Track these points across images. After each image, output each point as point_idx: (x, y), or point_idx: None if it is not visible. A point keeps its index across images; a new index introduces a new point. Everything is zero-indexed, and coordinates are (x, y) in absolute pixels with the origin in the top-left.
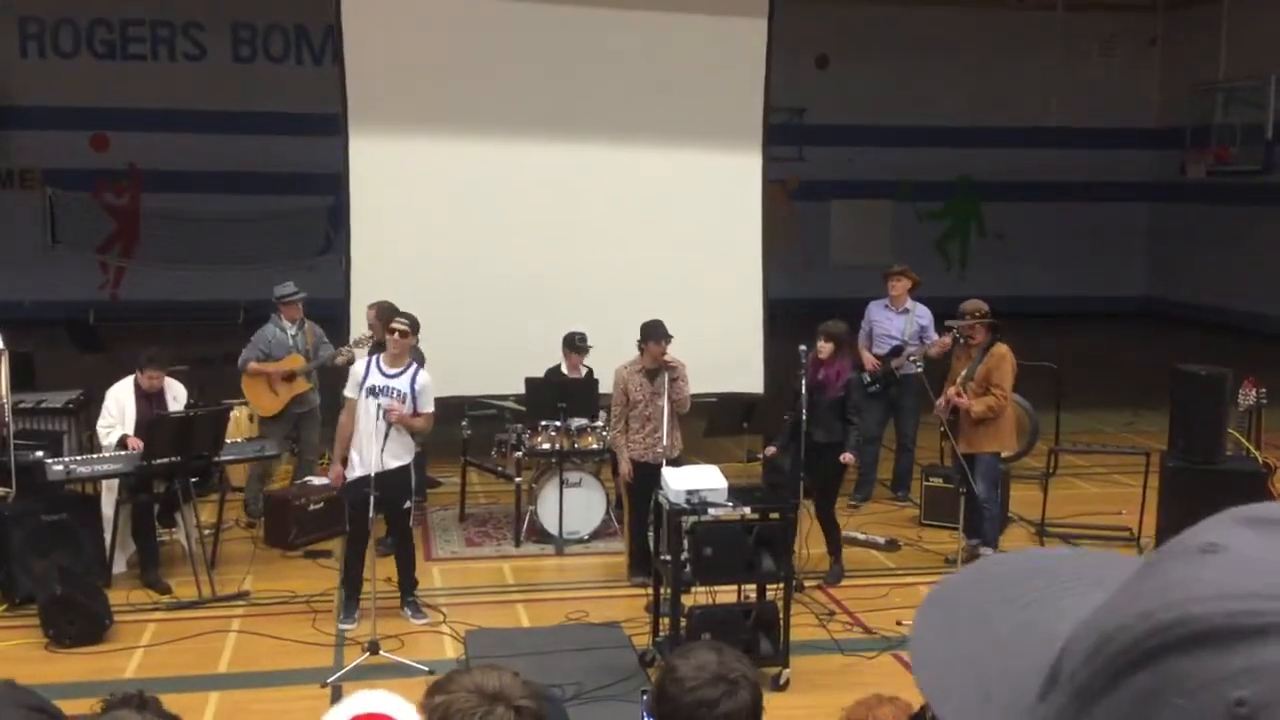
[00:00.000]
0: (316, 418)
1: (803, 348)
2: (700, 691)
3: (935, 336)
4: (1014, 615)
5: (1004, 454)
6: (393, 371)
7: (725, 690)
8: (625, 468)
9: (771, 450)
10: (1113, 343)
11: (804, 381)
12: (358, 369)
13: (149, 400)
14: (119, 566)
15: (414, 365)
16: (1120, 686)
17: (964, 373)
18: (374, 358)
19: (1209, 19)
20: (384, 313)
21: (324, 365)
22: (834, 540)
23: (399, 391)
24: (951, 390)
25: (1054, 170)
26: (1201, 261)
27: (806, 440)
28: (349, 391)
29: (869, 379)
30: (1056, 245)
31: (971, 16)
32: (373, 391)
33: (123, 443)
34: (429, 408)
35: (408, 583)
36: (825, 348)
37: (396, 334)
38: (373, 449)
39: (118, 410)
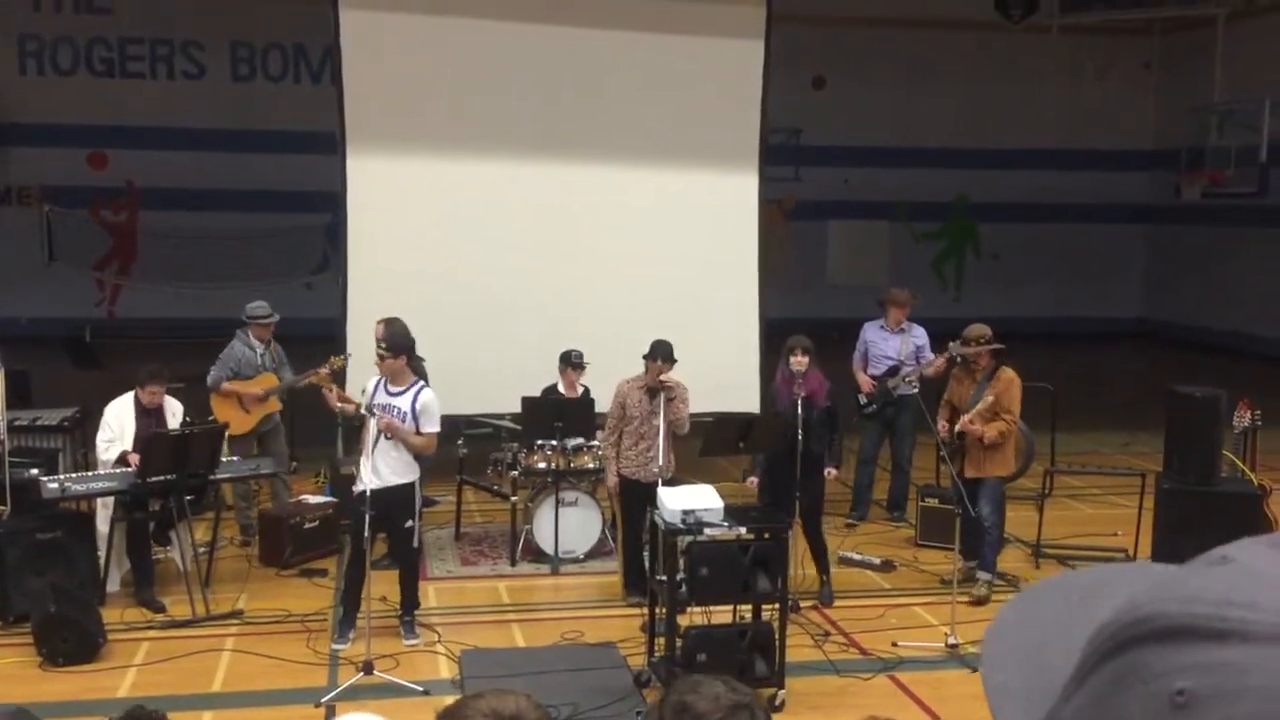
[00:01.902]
0: (281, 430)
1: (796, 368)
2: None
3: (931, 356)
4: (1087, 614)
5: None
6: (396, 390)
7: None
8: (612, 480)
9: (753, 480)
10: (1108, 364)
11: (799, 399)
12: (368, 387)
13: (149, 416)
14: (113, 584)
15: (418, 384)
16: (1102, 668)
17: (979, 402)
18: (384, 378)
19: (1204, 42)
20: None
21: (294, 385)
22: (822, 560)
23: (400, 410)
24: (966, 419)
25: (1050, 192)
26: (1196, 283)
27: (791, 457)
28: (365, 410)
29: (865, 400)
30: (1052, 266)
31: (968, 39)
32: (377, 409)
33: (122, 459)
34: (431, 428)
35: (409, 602)
36: (802, 361)
37: (379, 359)
38: (366, 463)
39: (118, 426)
